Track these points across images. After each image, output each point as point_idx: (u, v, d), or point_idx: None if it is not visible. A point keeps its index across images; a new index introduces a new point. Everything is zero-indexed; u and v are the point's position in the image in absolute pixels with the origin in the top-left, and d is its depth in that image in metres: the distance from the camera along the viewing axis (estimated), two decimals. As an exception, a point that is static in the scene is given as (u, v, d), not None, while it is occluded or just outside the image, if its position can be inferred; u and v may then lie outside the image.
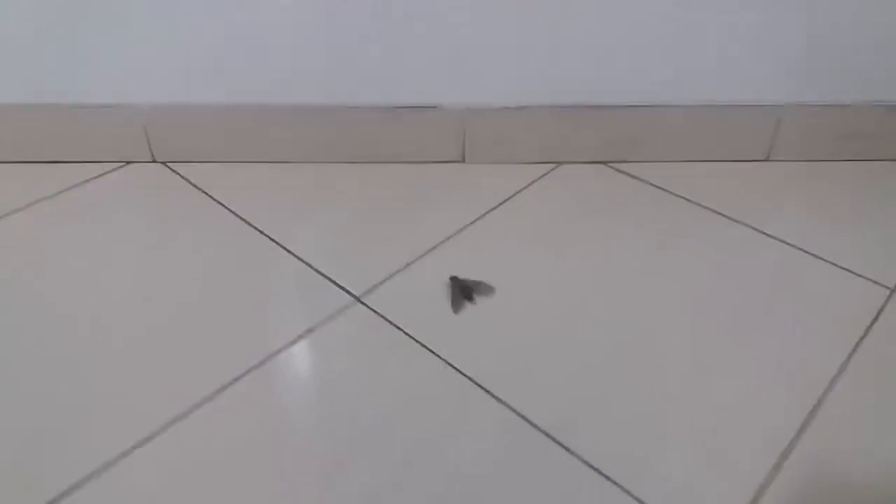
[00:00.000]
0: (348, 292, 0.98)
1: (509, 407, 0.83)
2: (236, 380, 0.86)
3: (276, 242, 1.07)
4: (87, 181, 1.19)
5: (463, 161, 1.24)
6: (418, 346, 0.91)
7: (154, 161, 1.23)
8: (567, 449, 0.79)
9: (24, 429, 0.80)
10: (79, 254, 1.05)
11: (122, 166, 1.22)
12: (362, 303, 0.96)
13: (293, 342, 0.91)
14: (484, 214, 1.13)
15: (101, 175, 1.20)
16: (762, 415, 0.83)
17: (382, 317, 0.94)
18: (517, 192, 1.17)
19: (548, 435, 0.80)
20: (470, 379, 0.86)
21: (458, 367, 0.88)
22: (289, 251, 1.05)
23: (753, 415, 0.83)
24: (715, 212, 1.13)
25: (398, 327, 0.93)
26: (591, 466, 0.77)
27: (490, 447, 0.79)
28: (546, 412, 0.83)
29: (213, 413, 0.82)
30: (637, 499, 0.74)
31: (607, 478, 0.76)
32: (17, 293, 0.98)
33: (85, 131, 1.20)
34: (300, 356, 0.90)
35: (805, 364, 0.89)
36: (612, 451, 0.78)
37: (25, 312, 0.95)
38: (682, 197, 1.17)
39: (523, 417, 0.82)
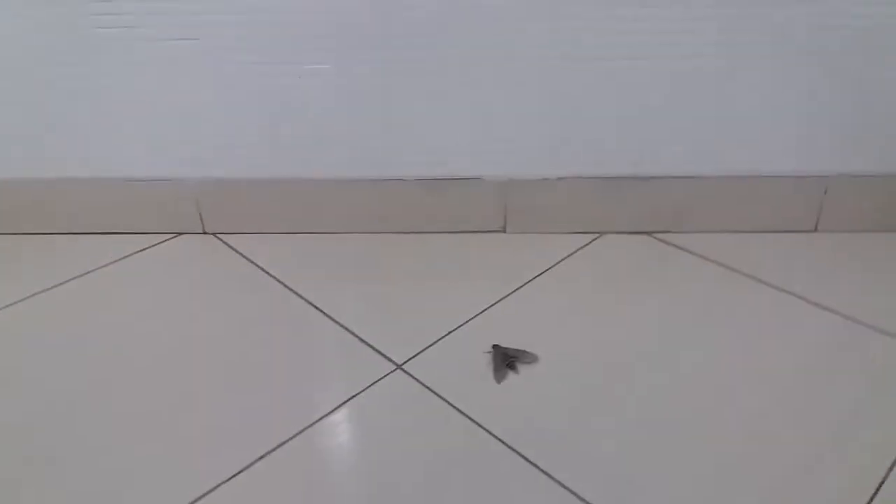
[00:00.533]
0: (390, 360, 0.98)
1: (554, 479, 0.81)
2: (280, 446, 0.85)
3: (321, 310, 1.08)
4: (141, 251, 1.23)
5: (504, 231, 1.25)
6: (459, 414, 0.89)
7: (205, 232, 1.27)
8: (615, 524, 0.76)
9: (69, 493, 0.81)
10: (129, 319, 1.08)
11: (173, 237, 1.27)
12: (404, 370, 0.96)
13: (336, 409, 0.91)
14: (525, 283, 1.13)
15: (153, 245, 1.24)
16: (823, 492, 0.79)
17: (424, 385, 0.94)
18: (558, 262, 1.17)
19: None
20: (512, 448, 0.84)
21: (499, 437, 0.86)
22: (333, 319, 1.06)
23: (813, 491, 0.79)
24: (763, 282, 1.11)
25: (439, 395, 0.92)
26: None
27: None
28: (590, 483, 0.80)
29: (256, 479, 0.81)
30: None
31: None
32: (69, 354, 1.01)
33: (140, 204, 1.25)
34: (342, 423, 0.89)
35: (865, 440, 0.85)
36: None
37: (74, 373, 0.97)
38: (728, 267, 1.15)
39: (567, 489, 0.79)
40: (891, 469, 0.81)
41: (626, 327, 1.04)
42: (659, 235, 1.24)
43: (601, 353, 0.99)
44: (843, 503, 0.77)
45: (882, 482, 0.79)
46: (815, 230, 1.23)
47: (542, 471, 0.82)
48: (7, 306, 1.10)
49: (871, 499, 0.77)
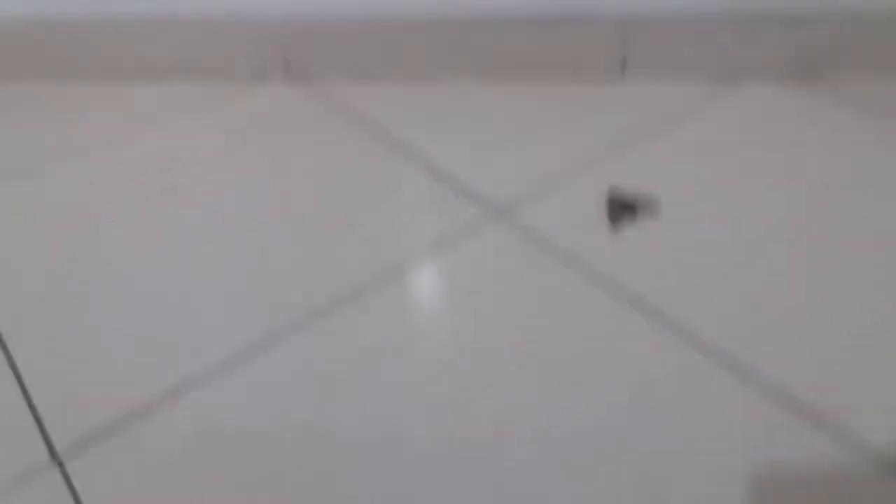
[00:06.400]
0: (495, 207, 0.91)
1: (674, 324, 0.74)
2: (383, 285, 0.82)
3: (420, 157, 1.01)
4: (226, 99, 1.17)
5: (622, 76, 1.12)
6: (570, 260, 0.83)
7: (290, 77, 1.20)
8: (738, 372, 0.69)
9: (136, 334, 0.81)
10: (217, 165, 1.04)
11: (259, 84, 1.20)
12: (510, 220, 0.89)
13: (437, 256, 0.86)
14: (645, 135, 1.01)
15: (236, 92, 1.18)
16: None
17: (531, 233, 0.87)
18: (681, 113, 1.05)
19: (717, 357, 0.71)
20: (628, 296, 0.78)
21: (615, 283, 0.79)
22: (434, 166, 0.99)
23: None
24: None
25: (548, 244, 0.85)
26: (765, 393, 0.68)
27: (651, 365, 0.72)
28: (714, 334, 0.73)
29: (351, 321, 0.79)
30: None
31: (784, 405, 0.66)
32: (159, 198, 0.99)
33: (222, 48, 1.18)
34: (447, 270, 0.85)
35: None
36: (791, 380, 0.68)
37: (158, 219, 0.96)
38: (877, 115, 1.01)
39: (688, 336, 0.73)
40: None
41: (751, 176, 0.93)
42: (799, 81, 1.08)
43: (726, 200, 0.90)
44: None
45: None
46: None
47: (665, 320, 0.75)
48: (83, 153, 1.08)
49: None
